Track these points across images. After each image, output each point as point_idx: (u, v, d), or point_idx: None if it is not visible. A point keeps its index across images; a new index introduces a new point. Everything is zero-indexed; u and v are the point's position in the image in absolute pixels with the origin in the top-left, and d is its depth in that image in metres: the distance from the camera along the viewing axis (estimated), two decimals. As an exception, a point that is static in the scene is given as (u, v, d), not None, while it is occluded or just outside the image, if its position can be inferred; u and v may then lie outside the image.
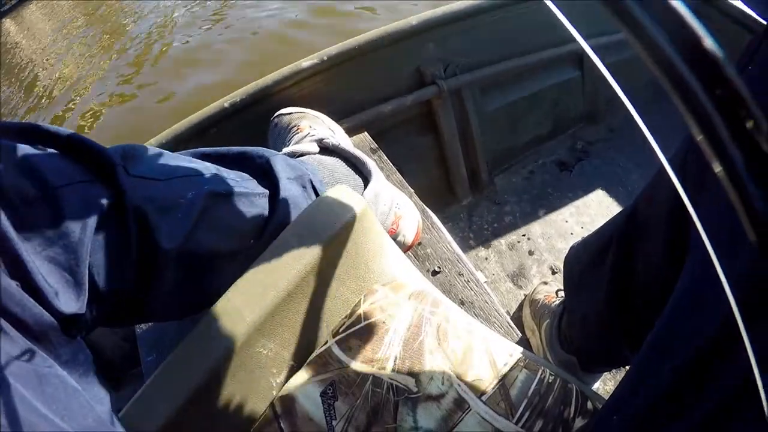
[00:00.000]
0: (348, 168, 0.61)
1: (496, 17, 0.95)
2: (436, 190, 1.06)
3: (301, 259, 0.45)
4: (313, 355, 0.46)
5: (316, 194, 0.54)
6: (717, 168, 0.11)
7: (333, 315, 0.48)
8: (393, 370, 0.43)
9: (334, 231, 0.47)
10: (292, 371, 0.46)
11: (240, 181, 0.48)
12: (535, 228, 1.02)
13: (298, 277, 0.45)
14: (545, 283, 0.89)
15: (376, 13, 2.43)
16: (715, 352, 0.29)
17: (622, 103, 0.16)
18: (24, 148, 0.36)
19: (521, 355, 0.45)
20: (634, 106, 0.16)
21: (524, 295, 0.92)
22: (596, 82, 1.13)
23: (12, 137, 0.37)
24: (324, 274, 0.47)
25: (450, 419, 0.41)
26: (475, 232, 1.03)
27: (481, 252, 1.00)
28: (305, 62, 0.81)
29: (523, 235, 1.01)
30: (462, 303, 0.64)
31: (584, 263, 0.63)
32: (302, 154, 0.60)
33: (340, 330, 0.47)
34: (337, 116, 0.81)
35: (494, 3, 0.93)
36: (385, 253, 0.51)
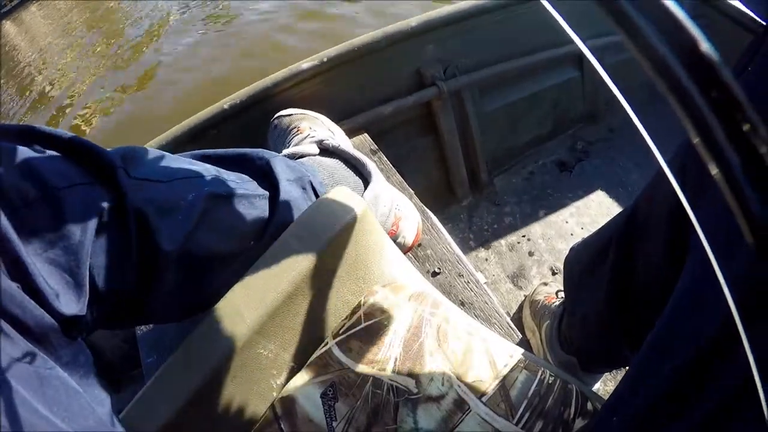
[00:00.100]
0: (348, 169, 0.61)
1: (495, 18, 0.95)
2: (436, 191, 1.06)
3: (301, 261, 0.45)
4: (314, 356, 0.46)
5: (316, 196, 0.54)
6: (714, 171, 0.11)
7: (333, 316, 0.48)
8: (393, 372, 0.43)
9: (334, 232, 0.47)
10: (293, 372, 0.46)
11: (240, 183, 0.48)
12: (535, 229, 1.02)
13: (299, 278, 0.45)
14: (545, 283, 0.89)
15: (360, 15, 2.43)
16: (715, 352, 0.29)
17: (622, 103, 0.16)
18: (25, 151, 0.36)
19: (521, 356, 0.45)
20: (633, 108, 0.16)
21: (524, 295, 0.92)
22: (596, 82, 1.13)
23: (13, 139, 0.37)
24: (324, 275, 0.47)
25: (450, 420, 0.41)
26: (475, 233, 1.03)
27: (481, 253, 1.00)
28: (305, 63, 0.81)
29: (523, 236, 1.01)
30: (462, 304, 0.64)
31: (584, 264, 0.63)
32: (302, 156, 0.61)
33: (341, 331, 0.47)
34: (337, 117, 0.81)
35: (494, 4, 0.93)
36: (385, 254, 0.51)
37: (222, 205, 0.45)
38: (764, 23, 0.38)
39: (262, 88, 0.79)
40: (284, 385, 0.45)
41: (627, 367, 0.63)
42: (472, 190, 1.08)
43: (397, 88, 0.93)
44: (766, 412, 0.16)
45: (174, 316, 0.48)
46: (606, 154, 1.13)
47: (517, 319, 0.88)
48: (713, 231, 0.25)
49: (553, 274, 0.95)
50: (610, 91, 0.16)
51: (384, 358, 0.44)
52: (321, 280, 0.47)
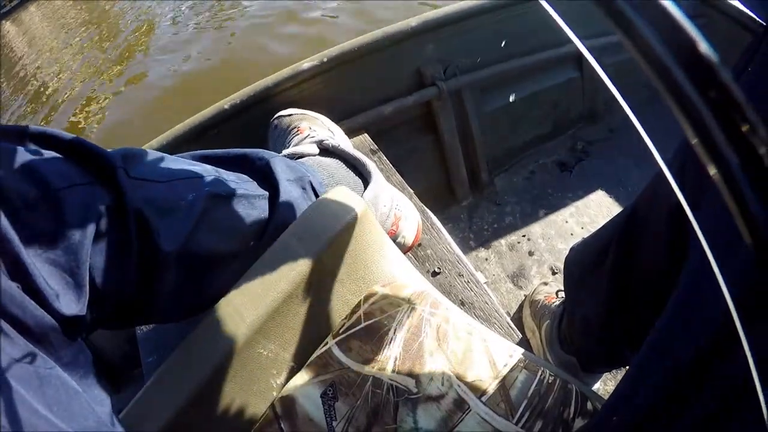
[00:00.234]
0: (348, 169, 0.61)
1: (495, 18, 0.95)
2: (436, 191, 1.06)
3: (301, 261, 0.45)
4: (314, 356, 0.46)
5: (316, 196, 0.54)
6: (713, 171, 0.11)
7: (333, 316, 0.48)
8: (393, 371, 0.43)
9: (334, 232, 0.47)
10: (293, 372, 0.46)
11: (240, 183, 0.48)
12: (536, 228, 1.02)
13: (298, 278, 0.45)
14: (545, 283, 0.89)
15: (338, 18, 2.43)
16: (715, 352, 0.29)
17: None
18: (25, 152, 0.36)
19: (521, 356, 0.45)
20: (632, 109, 0.16)
21: (524, 295, 0.92)
22: (596, 82, 1.13)
23: (13, 140, 0.37)
24: (324, 275, 0.47)
25: (450, 420, 0.41)
26: (475, 233, 1.03)
27: (481, 253, 1.00)
28: (305, 63, 0.81)
29: (523, 236, 1.01)
30: (462, 304, 0.64)
31: (584, 264, 0.63)
32: (302, 156, 0.61)
33: (341, 331, 0.47)
34: (337, 117, 0.81)
35: (494, 4, 0.93)
36: (384, 254, 0.51)
37: (222, 206, 0.45)
38: (764, 23, 0.38)
39: (263, 88, 0.79)
40: (284, 385, 0.45)
41: (627, 367, 0.63)
42: (472, 190, 1.08)
43: (397, 88, 0.93)
44: (765, 413, 0.16)
45: (174, 316, 0.48)
46: (606, 154, 1.13)
47: (517, 318, 0.88)
48: (712, 231, 0.25)
49: (553, 273, 0.95)
50: (610, 91, 0.16)
51: (384, 358, 0.44)
52: (321, 280, 0.47)
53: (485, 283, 0.68)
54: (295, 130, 0.70)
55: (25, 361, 0.29)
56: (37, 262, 0.33)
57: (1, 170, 0.34)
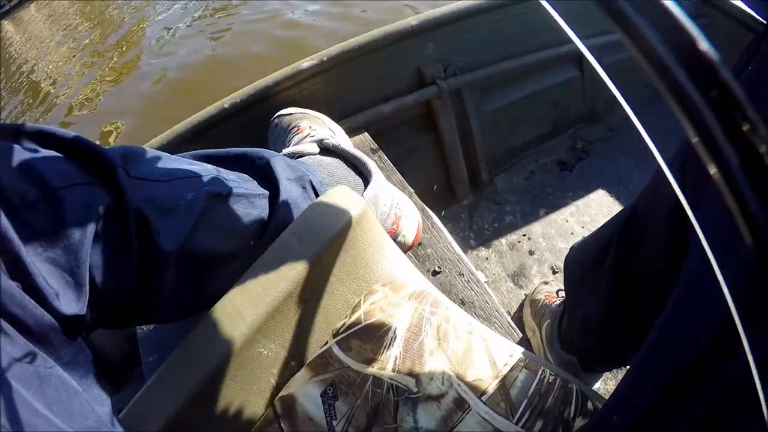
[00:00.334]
0: (348, 168, 0.61)
1: (496, 17, 0.95)
2: (437, 190, 1.06)
3: (301, 260, 0.45)
4: (314, 355, 0.46)
5: (316, 195, 0.54)
6: (713, 171, 0.11)
7: (333, 315, 0.48)
8: (393, 370, 0.43)
9: (334, 231, 0.47)
10: (293, 371, 0.46)
11: (240, 183, 0.48)
12: (536, 228, 1.02)
13: (298, 277, 0.45)
14: (546, 282, 0.89)
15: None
16: (715, 352, 0.29)
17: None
18: (25, 151, 0.36)
19: (521, 355, 0.45)
20: (632, 108, 0.16)
21: (525, 294, 0.92)
22: (596, 81, 1.13)
23: (13, 139, 0.37)
24: (324, 274, 0.47)
25: (450, 419, 0.41)
26: (476, 232, 1.03)
27: (482, 252, 1.00)
28: (305, 63, 0.81)
29: (524, 235, 1.01)
30: (462, 303, 0.64)
31: (585, 263, 0.63)
32: (302, 155, 0.61)
33: (341, 330, 0.47)
34: (338, 116, 0.81)
35: (494, 3, 0.93)
36: (385, 253, 0.51)
37: (222, 205, 0.45)
38: (764, 21, 0.38)
39: (263, 87, 0.79)
40: (284, 384, 0.45)
41: (627, 367, 0.64)
42: (473, 189, 1.08)
43: (397, 87, 0.93)
44: (765, 412, 0.16)
45: (174, 316, 0.48)
46: (606, 153, 1.13)
47: (518, 318, 0.88)
48: (713, 231, 0.25)
49: (554, 273, 0.95)
50: (611, 90, 0.16)
51: (384, 357, 0.44)
52: (321, 279, 0.47)
53: (486, 282, 0.68)
54: (296, 129, 0.70)
55: (25, 361, 0.29)
56: (36, 261, 0.33)
57: (1, 169, 0.34)
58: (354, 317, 0.47)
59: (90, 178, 0.38)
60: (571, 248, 0.69)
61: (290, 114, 0.74)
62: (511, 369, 0.43)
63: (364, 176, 0.61)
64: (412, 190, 0.77)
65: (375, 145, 0.85)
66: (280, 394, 0.44)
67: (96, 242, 0.37)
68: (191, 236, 0.42)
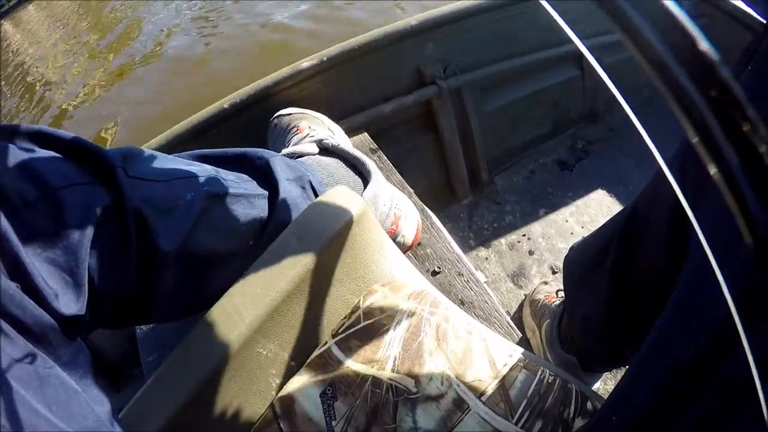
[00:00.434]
0: (347, 168, 0.61)
1: (495, 17, 0.95)
2: (436, 190, 1.06)
3: (301, 260, 0.45)
4: (313, 355, 0.46)
5: (316, 195, 0.54)
6: (713, 171, 0.11)
7: (332, 315, 0.48)
8: (392, 371, 0.43)
9: (333, 232, 0.47)
10: (292, 372, 0.46)
11: (239, 183, 0.48)
12: (536, 228, 1.02)
13: (298, 277, 0.45)
14: (545, 282, 0.89)
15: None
16: (715, 352, 0.29)
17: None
18: (25, 151, 0.36)
19: (521, 356, 0.45)
20: (632, 108, 0.16)
21: (524, 295, 0.92)
22: (596, 81, 1.13)
23: (12, 139, 0.37)
24: (323, 274, 0.47)
25: (449, 420, 0.41)
26: (475, 232, 1.03)
27: (481, 252, 1.00)
28: (305, 63, 0.81)
29: (524, 235, 1.01)
30: (462, 303, 0.64)
31: (584, 263, 0.63)
32: (301, 155, 0.61)
33: (340, 330, 0.47)
34: (337, 117, 0.81)
35: (494, 3, 0.93)
36: (384, 253, 0.51)
37: (221, 205, 0.45)
38: (764, 20, 0.38)
39: (262, 87, 0.79)
40: (283, 385, 0.45)
41: (627, 367, 0.63)
42: (472, 189, 1.08)
43: (397, 86, 0.93)
44: (765, 412, 0.16)
45: (174, 315, 0.48)
46: (606, 153, 1.13)
47: (517, 318, 0.88)
48: (713, 231, 0.25)
49: (554, 273, 0.95)
50: (611, 90, 0.16)
51: (383, 358, 0.44)
52: (320, 280, 0.47)
53: (485, 282, 0.68)
54: (295, 129, 0.70)
55: (24, 361, 0.29)
56: (36, 261, 0.33)
57: (0, 169, 0.33)
58: (353, 317, 0.47)
59: (89, 178, 0.38)
60: (571, 248, 0.69)
61: (290, 114, 0.74)
62: (511, 369, 0.43)
63: (364, 176, 0.61)
64: (411, 190, 0.77)
65: (374, 145, 0.85)
66: (279, 395, 0.44)
67: (95, 242, 0.37)
68: (190, 236, 0.42)
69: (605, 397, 0.42)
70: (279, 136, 0.72)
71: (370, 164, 0.62)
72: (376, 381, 0.43)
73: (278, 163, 0.51)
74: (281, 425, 0.43)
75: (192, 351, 0.43)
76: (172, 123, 0.78)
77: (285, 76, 0.80)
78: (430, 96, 0.94)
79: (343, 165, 0.62)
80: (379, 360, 0.44)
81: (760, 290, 0.24)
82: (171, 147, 0.76)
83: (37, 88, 2.85)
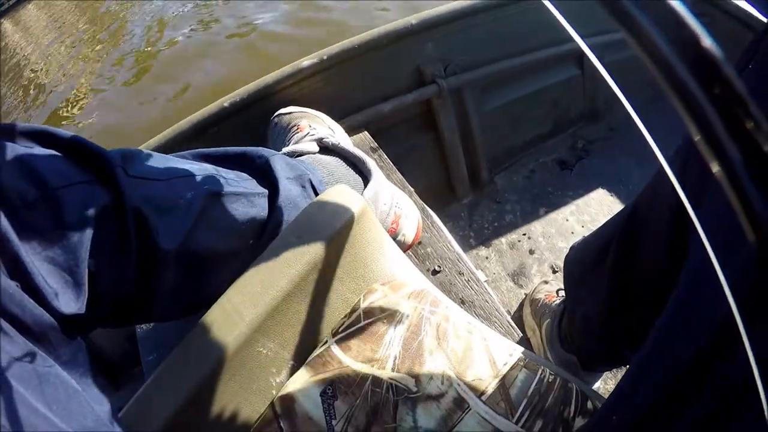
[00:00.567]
0: (348, 167, 0.61)
1: (496, 16, 0.94)
2: (437, 189, 1.06)
3: (301, 259, 0.45)
4: (313, 354, 0.46)
5: (316, 194, 0.54)
6: (716, 168, 0.11)
7: (333, 314, 0.48)
8: (392, 370, 0.43)
9: (333, 230, 0.47)
10: (292, 371, 0.46)
11: (239, 181, 0.48)
12: (536, 227, 1.02)
13: (298, 276, 0.45)
14: (546, 282, 0.89)
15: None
16: (715, 351, 0.29)
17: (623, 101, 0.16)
18: (25, 150, 0.36)
19: (521, 355, 0.45)
20: (633, 107, 0.16)
21: (525, 294, 0.92)
22: (597, 80, 1.13)
23: (12, 139, 0.37)
24: (323, 273, 0.47)
25: (450, 419, 0.41)
26: (476, 231, 1.03)
27: (482, 251, 1.00)
28: (305, 61, 0.81)
29: (524, 234, 1.01)
30: (462, 302, 0.64)
31: (585, 262, 0.63)
32: (302, 154, 0.60)
33: (340, 329, 0.47)
34: (337, 115, 0.81)
35: (494, 2, 0.92)
36: (384, 252, 0.51)
37: (221, 204, 0.45)
38: (765, 20, 0.37)
39: (263, 86, 0.79)
40: (284, 384, 0.45)
41: (627, 366, 0.63)
42: (473, 188, 1.08)
43: (397, 85, 0.93)
44: (766, 412, 0.16)
45: (173, 314, 0.48)
46: (607, 152, 1.13)
47: (518, 317, 0.88)
48: (714, 230, 0.25)
49: (554, 272, 0.95)
50: (611, 89, 0.16)
51: (383, 357, 0.44)
52: (320, 279, 0.47)
53: (485, 281, 0.68)
54: (295, 128, 0.70)
55: (24, 360, 0.29)
56: (36, 260, 0.33)
57: (1, 168, 0.33)
58: (353, 316, 0.47)
59: (89, 177, 0.38)
60: (571, 247, 0.69)
61: (290, 113, 0.74)
62: (511, 368, 0.43)
63: (364, 175, 0.61)
64: (411, 189, 0.77)
65: (375, 144, 0.85)
66: (279, 394, 0.44)
67: (95, 241, 0.37)
68: (190, 235, 0.42)
69: (605, 396, 0.42)
70: (279, 135, 0.72)
71: (371, 163, 0.61)
72: (377, 380, 0.43)
73: (278, 161, 0.51)
74: (281, 424, 0.42)
75: (192, 350, 0.43)
76: (171, 123, 0.78)
77: (285, 74, 0.80)
78: (430, 95, 0.94)
79: (344, 164, 0.61)
80: (380, 359, 0.44)
81: (761, 289, 0.24)
82: (171, 145, 0.76)
83: (36, 87, 2.85)
